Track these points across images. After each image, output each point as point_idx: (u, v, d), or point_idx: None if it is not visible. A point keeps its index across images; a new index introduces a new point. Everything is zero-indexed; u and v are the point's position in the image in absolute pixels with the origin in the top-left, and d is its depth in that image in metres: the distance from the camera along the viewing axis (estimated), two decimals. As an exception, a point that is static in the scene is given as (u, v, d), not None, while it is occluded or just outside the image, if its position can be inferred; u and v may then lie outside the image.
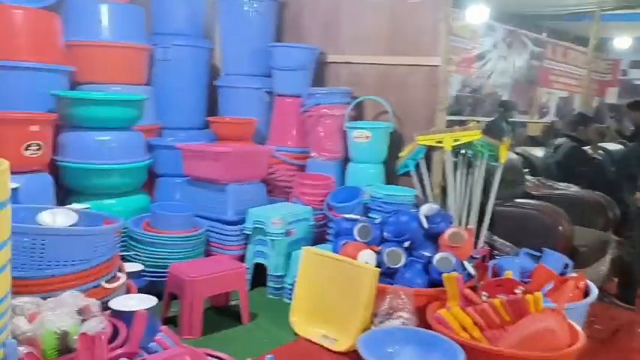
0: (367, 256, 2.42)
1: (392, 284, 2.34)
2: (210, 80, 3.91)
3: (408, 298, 2.19)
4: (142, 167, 3.11)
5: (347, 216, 2.76)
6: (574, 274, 2.50)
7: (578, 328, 2.00)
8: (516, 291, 2.15)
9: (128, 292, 2.12)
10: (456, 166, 3.15)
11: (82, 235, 1.96)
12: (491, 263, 2.62)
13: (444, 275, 2.20)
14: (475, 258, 2.64)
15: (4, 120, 2.64)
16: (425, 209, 2.58)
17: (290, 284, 2.75)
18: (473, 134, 3.06)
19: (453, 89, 5.75)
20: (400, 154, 3.34)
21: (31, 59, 2.88)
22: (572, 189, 4.00)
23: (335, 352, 2.22)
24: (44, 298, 1.66)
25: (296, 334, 2.38)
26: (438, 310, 2.11)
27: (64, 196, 2.97)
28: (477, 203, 3.11)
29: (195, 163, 3.06)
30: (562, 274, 2.51)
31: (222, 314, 2.58)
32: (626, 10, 7.23)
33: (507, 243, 3.08)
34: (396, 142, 3.43)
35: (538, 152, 4.98)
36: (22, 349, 1.38)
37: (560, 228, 3.07)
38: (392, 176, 3.42)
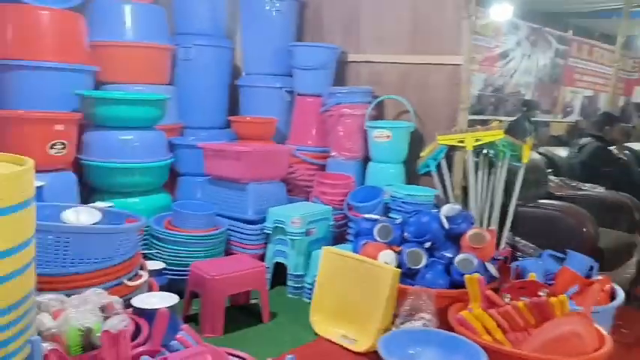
0: (388, 257, 2.40)
1: (412, 285, 2.32)
2: (231, 80, 3.92)
3: (429, 299, 2.17)
4: (163, 166, 3.14)
5: (367, 216, 2.75)
6: (599, 277, 2.45)
7: (605, 332, 1.96)
8: (540, 293, 2.12)
9: (150, 290, 2.13)
10: (477, 166, 3.12)
11: (105, 233, 1.98)
12: (513, 265, 2.59)
13: (466, 276, 2.18)
14: (497, 259, 2.61)
15: (29, 119, 2.68)
16: (446, 210, 2.56)
17: (310, 284, 2.75)
18: (495, 134, 3.02)
19: (475, 88, 5.70)
20: (421, 154, 3.31)
21: (56, 59, 2.92)
22: (597, 190, 3.92)
23: (355, 353, 2.21)
24: (68, 295, 1.68)
25: (316, 333, 2.37)
26: (460, 312, 2.09)
27: (87, 194, 3.01)
28: (499, 204, 3.06)
29: (216, 163, 3.07)
30: (587, 276, 2.47)
31: (242, 313, 2.59)
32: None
33: (530, 244, 3.03)
34: (416, 142, 3.41)
35: (562, 152, 4.89)
36: (47, 346, 1.40)
37: (585, 229, 3.01)
38: (412, 176, 3.40)
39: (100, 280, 1.88)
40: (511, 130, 3.18)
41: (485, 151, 3.13)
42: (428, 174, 3.29)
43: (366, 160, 3.48)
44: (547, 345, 1.86)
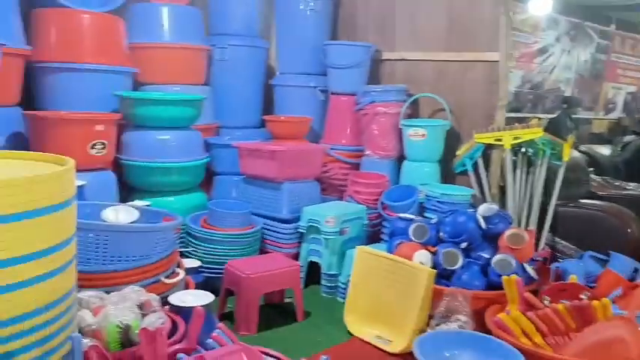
0: (423, 257, 2.37)
1: (448, 286, 2.29)
2: (266, 79, 3.95)
3: (465, 300, 2.14)
4: (199, 165, 3.18)
5: (402, 215, 2.72)
6: (644, 280, 2.36)
7: (650, 337, 1.89)
8: (581, 296, 2.06)
9: (186, 287, 2.17)
10: (515, 165, 3.05)
11: (143, 231, 2.02)
12: (553, 266, 2.52)
13: (504, 278, 2.13)
14: (536, 260, 2.55)
15: (71, 120, 2.76)
16: (483, 209, 2.51)
17: (344, 283, 2.74)
18: (534, 132, 2.94)
19: (513, 85, 5.58)
20: (457, 153, 3.26)
21: (96, 61, 2.99)
22: (642, 189, 3.79)
23: (389, 354, 2.19)
24: (108, 292, 1.72)
25: (350, 333, 2.36)
26: (498, 314, 2.04)
27: (126, 193, 3.08)
28: (538, 204, 2.99)
29: (251, 162, 3.10)
30: (631, 279, 2.38)
31: (277, 311, 2.61)
32: None
33: (571, 245, 2.95)
34: (452, 140, 3.36)
35: (604, 150, 4.75)
36: (87, 342, 1.43)
37: (629, 230, 2.91)
38: (448, 175, 3.36)
39: (138, 278, 1.92)
40: (551, 127, 3.10)
41: (523, 149, 3.06)
42: (464, 173, 3.24)
43: (401, 158, 3.45)
44: (589, 350, 1.80)
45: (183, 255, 2.67)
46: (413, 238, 2.51)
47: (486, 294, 2.26)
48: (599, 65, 7.32)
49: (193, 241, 2.79)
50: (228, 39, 3.69)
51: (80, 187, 2.38)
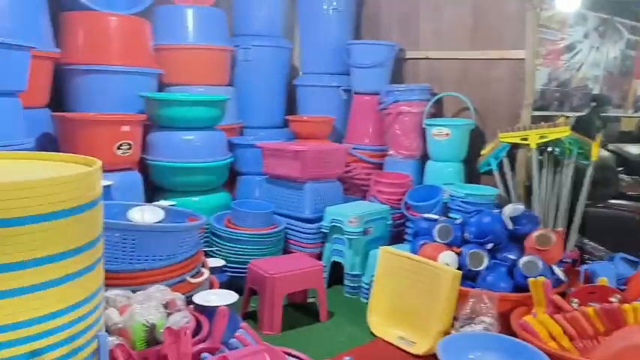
0: (448, 258, 2.35)
1: (473, 287, 2.26)
2: (289, 79, 3.96)
3: (491, 302, 2.11)
4: (223, 165, 3.20)
5: (426, 215, 2.70)
6: (677, 283, 2.30)
7: (683, 342, 1.83)
8: (612, 299, 2.01)
9: (211, 287, 2.19)
10: (541, 164, 3.00)
11: (168, 231, 2.04)
12: (582, 268, 2.47)
13: (530, 280, 2.10)
14: (565, 262, 2.50)
15: (98, 121, 2.80)
16: (509, 210, 2.47)
17: (367, 284, 2.73)
18: (561, 130, 2.89)
19: (539, 83, 5.47)
20: (482, 152, 3.22)
21: (123, 63, 3.03)
22: (675, 189, 3.68)
23: (413, 355, 2.17)
24: (134, 291, 1.74)
25: (373, 334, 2.35)
26: (524, 317, 2.01)
27: (151, 193, 3.12)
28: (566, 204, 2.93)
29: (274, 162, 3.11)
30: (663, 282, 2.32)
31: (300, 311, 2.61)
32: None
33: (600, 247, 2.88)
34: (477, 140, 3.32)
35: (633, 149, 4.63)
36: (113, 340, 1.45)
37: (661, 231, 2.84)
38: (473, 175, 3.32)
39: (164, 277, 1.94)
40: (580, 126, 3.04)
41: (550, 148, 3.00)
42: (489, 173, 3.20)
43: (424, 158, 3.42)
44: (619, 355, 1.75)
45: (207, 254, 2.69)
46: (437, 239, 2.49)
47: (512, 296, 2.23)
48: (629, 62, 7.14)
49: (217, 240, 2.81)
50: (252, 39, 3.70)
51: (107, 187, 2.41)
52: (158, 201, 2.70)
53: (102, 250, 1.35)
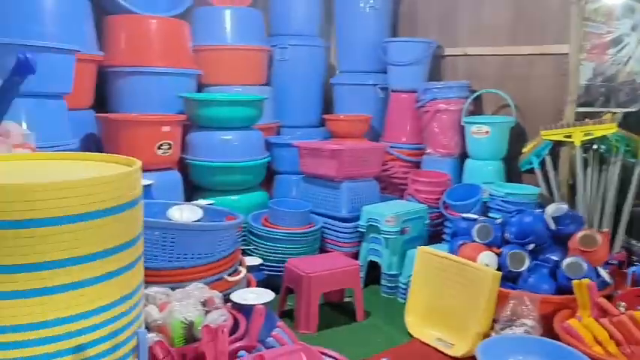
0: (488, 258, 2.30)
1: (514, 289, 2.20)
2: (326, 78, 3.96)
3: (533, 304, 2.05)
4: (261, 165, 3.23)
5: (465, 215, 2.65)
6: None
7: None
8: (661, 303, 1.92)
9: (248, 285, 2.21)
10: (586, 162, 2.90)
11: (207, 230, 2.07)
12: (630, 270, 2.37)
13: (574, 282, 2.03)
14: (611, 264, 2.41)
15: (140, 122, 2.87)
16: (552, 209, 2.39)
17: (404, 284, 2.70)
18: (607, 127, 2.79)
19: (583, 78, 5.29)
20: (523, 150, 3.14)
21: (163, 65, 3.10)
22: None
23: (451, 357, 2.14)
24: (173, 289, 1.78)
25: (410, 335, 2.33)
26: (568, 320, 1.95)
27: (191, 192, 3.18)
28: (612, 204, 2.82)
29: (311, 161, 3.11)
30: None
31: (336, 311, 2.61)
32: None
33: (649, 248, 2.77)
34: (518, 138, 3.24)
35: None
36: (153, 337, 1.49)
37: None
38: (513, 174, 3.24)
39: (202, 275, 1.97)
40: (626, 122, 2.92)
41: (595, 146, 2.90)
42: (530, 171, 3.11)
43: (463, 157, 3.37)
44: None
45: (245, 253, 2.72)
46: (476, 239, 2.44)
47: (555, 298, 2.16)
48: (681, 55, 6.83)
49: (255, 239, 2.83)
50: (289, 39, 3.72)
51: (148, 187, 2.47)
52: (197, 200, 2.75)
53: (142, 249, 1.38)
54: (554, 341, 1.89)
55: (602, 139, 2.84)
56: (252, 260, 2.62)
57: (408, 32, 3.88)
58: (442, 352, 2.17)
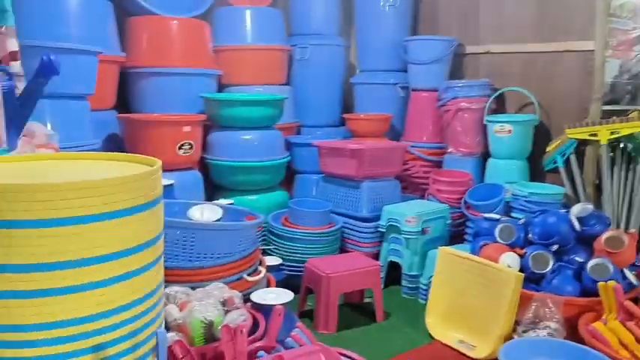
0: (510, 259, 2.26)
1: (537, 291, 2.16)
2: (346, 78, 3.95)
3: (556, 306, 2.01)
4: (281, 164, 3.24)
5: (487, 215, 2.61)
6: None
7: None
8: (690, 307, 1.87)
9: (268, 285, 2.21)
10: (612, 161, 2.84)
11: (227, 229, 2.08)
12: (657, 273, 2.31)
13: (600, 284, 1.99)
14: (637, 266, 2.35)
15: (161, 122, 2.90)
16: (577, 210, 2.35)
17: (425, 284, 2.68)
18: (635, 125, 2.73)
19: (609, 76, 5.19)
20: (547, 149, 3.09)
21: (184, 65, 3.13)
22: None
23: (473, 359, 2.11)
24: (193, 288, 1.78)
25: (431, 336, 2.31)
26: (593, 323, 1.91)
27: (211, 191, 3.20)
28: (639, 204, 2.76)
29: (331, 160, 3.11)
30: None
31: (356, 311, 2.60)
32: None
33: (678, 250, 2.69)
34: (541, 136, 3.19)
35: None
36: (173, 336, 1.50)
37: None
38: (537, 173, 3.19)
39: (222, 275, 1.98)
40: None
41: (622, 144, 2.84)
42: (555, 170, 3.06)
43: (485, 156, 3.32)
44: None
45: (265, 253, 2.72)
46: (499, 240, 2.40)
47: (580, 300, 2.11)
48: None
49: (275, 239, 2.84)
50: (309, 39, 3.72)
51: (169, 186, 2.49)
52: (217, 200, 2.76)
53: (162, 249, 1.38)
54: (579, 345, 1.85)
55: (629, 138, 2.78)
56: (272, 260, 2.62)
57: (429, 30, 3.84)
58: (464, 354, 2.15)
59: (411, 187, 3.49)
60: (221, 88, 3.45)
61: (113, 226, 1.15)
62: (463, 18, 3.65)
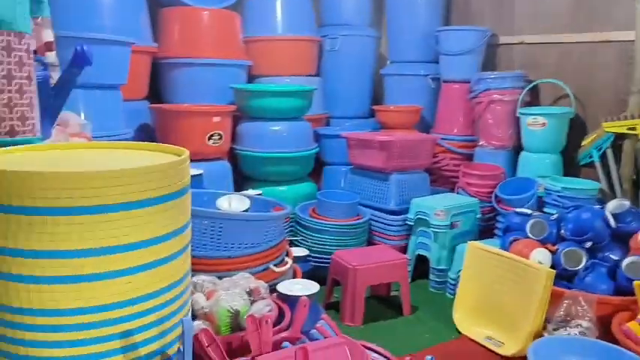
0: (541, 255, 2.21)
1: (569, 288, 2.11)
2: (376, 69, 3.91)
3: (589, 305, 1.96)
4: (309, 156, 3.23)
5: (518, 210, 2.56)
6: None
7: None
8: None
9: (294, 276, 2.21)
10: (652, 156, 2.74)
11: (254, 220, 2.09)
12: (697, 272, 2.23)
13: (635, 283, 1.93)
14: (676, 265, 2.27)
15: (192, 112, 2.92)
16: (612, 206, 2.28)
17: (453, 279, 2.64)
18: (676, 120, 2.63)
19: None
20: (582, 143, 3.00)
21: (215, 56, 3.14)
22: None
23: (501, 356, 2.08)
24: (220, 278, 1.80)
25: (458, 331, 2.28)
26: (627, 323, 1.85)
27: (240, 182, 3.22)
28: (680, 200, 2.67)
29: (359, 152, 3.09)
30: None
31: (383, 304, 2.58)
32: None
33: None
34: (576, 130, 3.10)
35: None
36: (200, 324, 1.51)
37: None
38: (571, 167, 3.10)
39: (249, 265, 1.99)
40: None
41: (662, 139, 2.74)
42: (590, 165, 2.97)
43: (517, 149, 3.25)
44: None
45: (292, 244, 2.73)
46: (530, 235, 2.35)
47: (614, 299, 2.05)
48: None
49: (302, 230, 2.84)
50: (339, 29, 3.69)
51: (198, 176, 2.51)
52: (246, 190, 2.78)
53: (189, 238, 1.40)
54: (612, 345, 1.80)
55: (670, 132, 2.68)
56: (299, 251, 2.63)
57: (462, 20, 3.77)
58: (491, 351, 2.11)
59: (441, 180, 3.45)
60: (251, 78, 3.46)
61: (140, 215, 1.17)
62: (497, 7, 3.57)
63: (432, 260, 2.76)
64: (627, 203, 2.29)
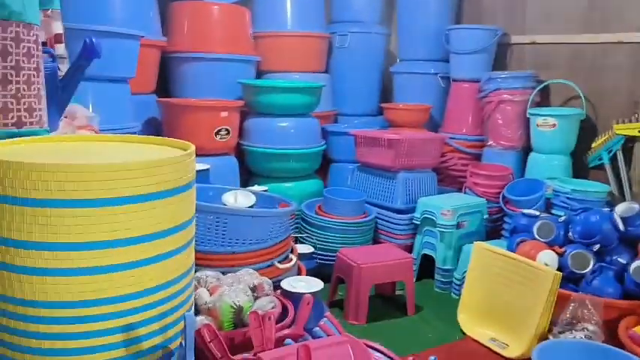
0: (548, 258, 2.19)
1: (576, 291, 2.09)
2: (385, 66, 3.89)
3: (595, 308, 1.94)
4: (316, 153, 3.22)
5: (526, 211, 2.54)
6: None
7: None
8: None
9: (299, 273, 2.21)
10: (663, 160, 2.71)
11: (260, 216, 2.08)
12: None
13: (643, 287, 1.91)
14: (685, 270, 2.24)
15: (199, 107, 2.92)
16: (621, 209, 2.25)
17: (459, 279, 2.63)
18: (689, 123, 2.59)
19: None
20: (593, 145, 2.97)
21: (224, 51, 3.14)
22: None
23: (504, 358, 2.06)
24: (224, 273, 1.80)
25: (462, 332, 2.27)
26: (634, 328, 1.83)
27: (246, 177, 3.21)
28: (691, 205, 2.63)
29: (367, 150, 3.07)
30: None
31: (387, 303, 2.57)
32: None
33: None
34: (587, 131, 3.07)
35: None
36: (202, 319, 1.51)
37: None
38: (580, 169, 3.07)
39: (253, 261, 1.98)
40: None
41: (674, 143, 2.71)
42: (599, 167, 2.94)
43: (526, 150, 3.22)
44: None
45: (297, 240, 2.73)
46: (537, 237, 2.33)
47: (621, 303, 2.03)
48: None
49: (307, 227, 2.83)
50: (349, 26, 3.68)
51: (204, 171, 2.51)
52: (252, 186, 2.77)
53: (193, 232, 1.40)
54: (618, 349, 1.78)
55: (682, 136, 2.64)
56: (304, 248, 2.62)
57: (473, 19, 3.74)
58: (496, 353, 2.10)
59: (448, 180, 3.42)
60: (259, 74, 3.45)
61: (145, 208, 1.16)
62: (509, 7, 3.54)
63: (437, 260, 2.75)
64: (636, 206, 2.27)
